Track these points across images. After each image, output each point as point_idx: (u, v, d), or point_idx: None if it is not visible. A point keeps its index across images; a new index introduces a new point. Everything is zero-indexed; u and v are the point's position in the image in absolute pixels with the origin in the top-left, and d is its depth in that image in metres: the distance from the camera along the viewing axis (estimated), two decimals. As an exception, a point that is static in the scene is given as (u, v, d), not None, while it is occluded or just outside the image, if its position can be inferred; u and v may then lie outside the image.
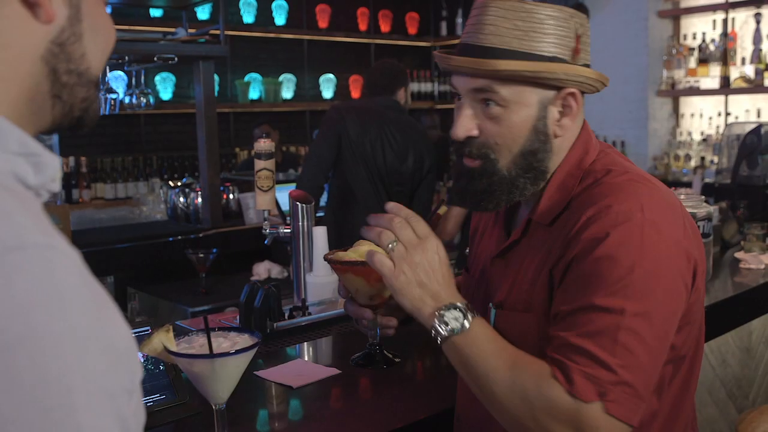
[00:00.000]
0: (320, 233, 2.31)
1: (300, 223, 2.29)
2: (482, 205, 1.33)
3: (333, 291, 2.28)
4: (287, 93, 6.90)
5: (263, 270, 3.51)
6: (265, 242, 2.35)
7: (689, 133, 6.03)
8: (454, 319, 1.21)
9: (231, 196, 4.33)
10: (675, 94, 5.97)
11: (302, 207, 2.28)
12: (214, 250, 3.34)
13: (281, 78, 6.86)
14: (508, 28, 1.24)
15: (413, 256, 1.24)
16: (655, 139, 6.05)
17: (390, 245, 1.25)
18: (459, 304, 1.22)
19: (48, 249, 0.60)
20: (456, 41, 7.51)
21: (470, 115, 1.29)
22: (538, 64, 1.23)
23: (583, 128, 1.36)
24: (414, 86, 7.67)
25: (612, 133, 5.89)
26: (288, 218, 2.37)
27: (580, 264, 1.17)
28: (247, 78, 6.66)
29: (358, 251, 1.49)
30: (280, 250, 3.56)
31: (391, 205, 1.30)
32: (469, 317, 1.21)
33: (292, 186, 3.79)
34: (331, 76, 7.18)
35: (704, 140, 5.92)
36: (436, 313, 1.22)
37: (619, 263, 1.14)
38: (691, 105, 6.11)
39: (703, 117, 6.01)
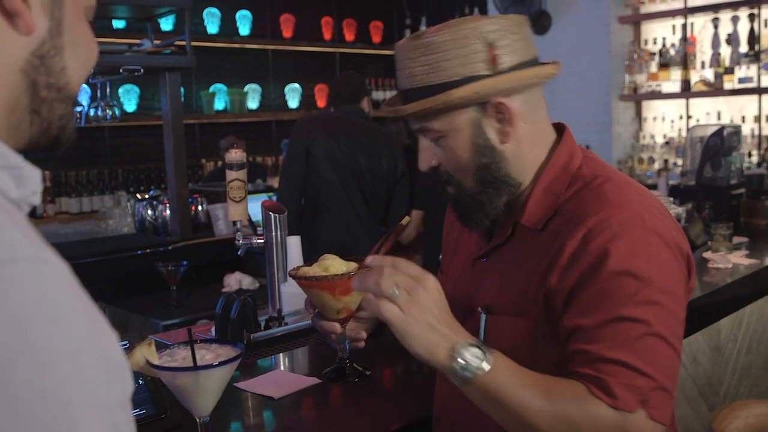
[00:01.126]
0: (294, 243, 2.31)
1: (273, 233, 2.28)
2: (472, 224, 1.39)
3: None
4: (252, 103, 6.88)
5: (234, 281, 3.49)
6: (238, 253, 2.34)
7: (652, 136, 6.12)
8: (474, 357, 1.15)
9: (200, 207, 4.30)
10: (637, 98, 6.06)
11: (275, 217, 2.28)
12: (185, 263, 3.31)
13: (246, 88, 6.83)
14: (417, 67, 1.30)
15: (419, 300, 1.16)
16: (619, 143, 6.14)
17: (393, 291, 1.16)
18: (473, 341, 1.17)
19: (39, 262, 0.60)
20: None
21: (428, 148, 1.36)
22: (446, 95, 1.27)
23: (565, 133, 1.39)
24: (379, 94, 7.70)
25: (577, 137, 5.90)
26: (258, 229, 2.37)
27: (594, 278, 1.19)
28: (212, 89, 6.63)
29: (323, 265, 1.50)
30: (251, 261, 3.54)
31: (370, 260, 1.23)
32: (488, 354, 1.15)
33: (263, 197, 3.78)
34: (296, 85, 7.18)
35: (667, 143, 6.01)
36: (453, 355, 1.15)
37: (636, 275, 1.17)
38: (653, 109, 6.20)
39: (665, 120, 6.10)
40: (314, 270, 1.50)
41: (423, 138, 1.36)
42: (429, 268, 1.25)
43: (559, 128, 1.41)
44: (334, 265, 1.51)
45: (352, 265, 1.52)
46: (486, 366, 1.14)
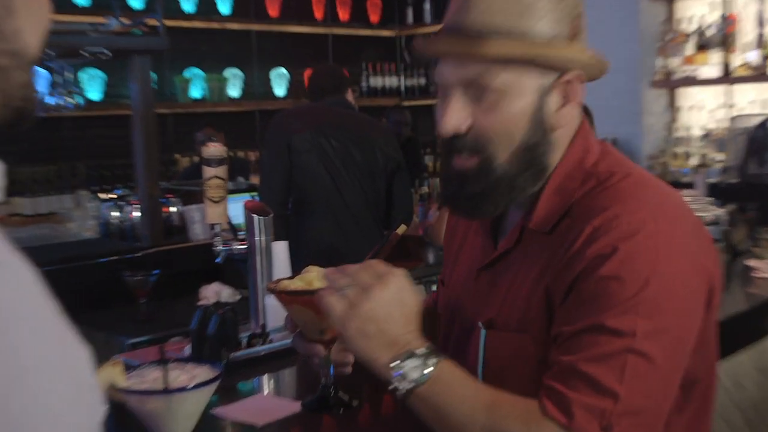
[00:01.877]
0: (280, 249, 2.31)
1: (257, 238, 2.28)
2: (480, 210, 1.34)
3: (297, 314, 2.27)
4: (233, 91, 6.88)
5: (212, 293, 3.47)
6: (217, 260, 2.34)
7: (688, 129, 6.12)
8: (413, 368, 1.18)
9: (173, 209, 4.30)
10: (671, 84, 6.06)
11: (259, 220, 2.28)
12: (155, 272, 3.30)
13: (226, 74, 6.84)
14: (499, 5, 1.24)
15: (369, 299, 1.19)
16: (650, 136, 6.14)
17: (343, 289, 1.21)
18: (417, 351, 1.19)
19: (5, 267, 0.59)
20: (424, 30, 7.60)
21: (460, 107, 1.29)
22: (536, 47, 1.24)
23: (582, 125, 1.37)
24: (378, 81, 7.71)
25: (602, 130, 5.94)
26: (240, 233, 2.37)
27: (586, 281, 1.18)
28: (187, 74, 6.63)
29: (306, 279, 1.49)
30: (232, 270, 3.53)
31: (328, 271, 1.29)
32: (431, 362, 1.18)
33: (245, 196, 3.78)
34: (283, 70, 7.18)
35: (705, 136, 6.01)
36: (392, 365, 1.19)
37: (629, 281, 1.16)
38: (689, 97, 6.20)
39: (704, 110, 6.11)
40: (296, 284, 1.49)
41: (456, 98, 1.29)
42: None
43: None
44: (318, 278, 1.50)
45: None
46: (424, 377, 1.17)
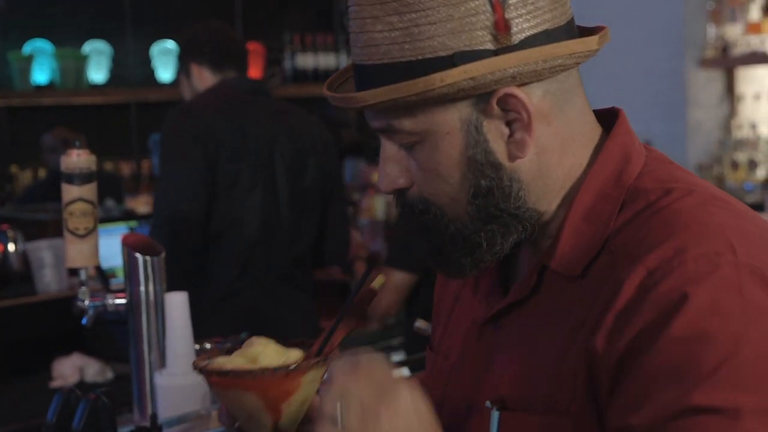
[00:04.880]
0: (178, 303, 2.30)
1: (142, 288, 2.28)
2: (451, 271, 1.41)
3: (202, 398, 2.27)
4: (97, 74, 6.85)
5: (71, 369, 3.46)
6: (82, 322, 2.32)
7: (753, 126, 6.17)
8: None
9: (11, 246, 4.27)
10: (728, 63, 6.12)
11: (146, 261, 2.28)
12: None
13: (87, 49, 6.81)
14: (382, 31, 1.31)
15: (379, 423, 1.21)
16: (698, 137, 6.22)
17: (337, 411, 1.22)
18: None
19: None
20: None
21: (393, 158, 1.38)
22: (426, 80, 1.28)
23: (617, 125, 1.40)
24: (307, 59, 7.70)
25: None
26: (113, 280, 2.37)
27: (652, 348, 1.20)
28: (28, 49, 6.59)
29: (249, 355, 1.50)
30: (102, 336, 3.51)
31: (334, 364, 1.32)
32: None
33: (121, 228, 3.75)
34: (170, 43, 7.15)
35: (778, 137, 6.08)
36: None
37: (716, 340, 1.17)
38: (754, 81, 6.25)
39: (774, 100, 6.18)
40: (235, 361, 1.50)
41: (388, 143, 1.38)
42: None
43: (610, 117, 1.44)
44: (265, 353, 1.51)
45: (294, 355, 1.53)
46: None
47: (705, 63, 6.12)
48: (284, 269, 3.83)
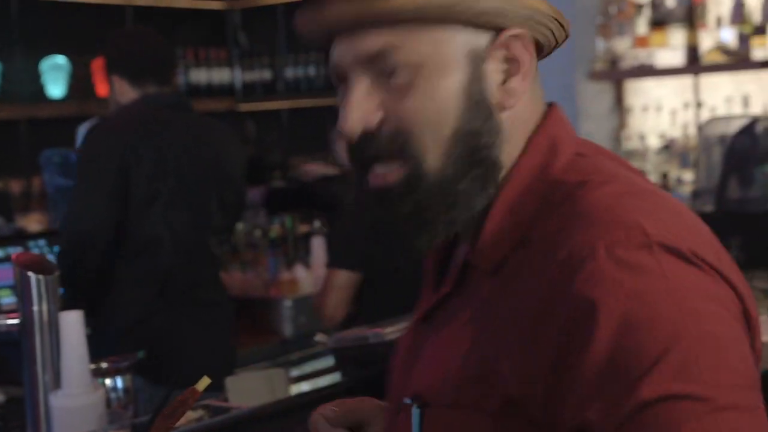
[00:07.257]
0: (73, 322, 2.27)
1: (36, 308, 2.25)
2: (412, 243, 1.34)
3: (98, 418, 2.23)
4: (-15, 90, 6.76)
5: (-40, 393, 3.40)
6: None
7: (642, 136, 6.25)
8: None
9: None
10: (618, 75, 6.19)
11: (39, 280, 2.25)
12: None
13: (-28, 65, 6.72)
14: None
15: None
16: (590, 148, 6.30)
17: None
18: None
19: None
20: (272, 3, 7.60)
21: (364, 96, 1.31)
22: None
23: (550, 116, 1.40)
24: (201, 74, 7.64)
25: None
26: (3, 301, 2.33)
27: (586, 344, 1.15)
28: None
29: None
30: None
31: None
32: None
33: (11, 249, 3.70)
34: (61, 59, 7.07)
35: (666, 147, 6.14)
36: None
37: (650, 328, 1.14)
38: (642, 92, 6.34)
39: (663, 111, 6.26)
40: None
41: (361, 78, 1.31)
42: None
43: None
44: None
45: None
46: None
47: (595, 75, 6.18)
48: (202, 289, 3.84)
